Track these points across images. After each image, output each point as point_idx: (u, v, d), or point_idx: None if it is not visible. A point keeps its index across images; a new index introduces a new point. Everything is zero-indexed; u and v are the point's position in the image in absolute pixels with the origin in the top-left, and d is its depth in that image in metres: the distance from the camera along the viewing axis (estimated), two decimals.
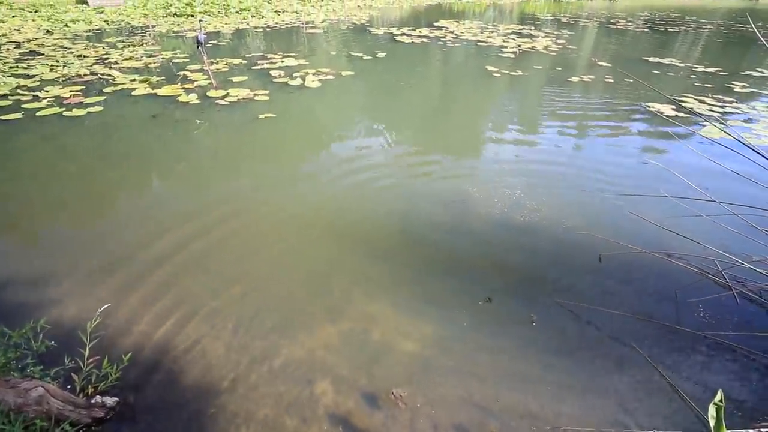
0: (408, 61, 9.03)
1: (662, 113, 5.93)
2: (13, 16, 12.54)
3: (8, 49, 8.50)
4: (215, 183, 3.98)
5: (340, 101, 6.34)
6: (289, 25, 12.94)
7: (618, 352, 2.37)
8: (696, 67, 8.83)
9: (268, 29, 12.11)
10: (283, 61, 8.11)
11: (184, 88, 6.33)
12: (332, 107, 6.11)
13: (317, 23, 13.56)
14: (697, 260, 2.96)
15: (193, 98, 5.90)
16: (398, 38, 11.20)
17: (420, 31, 12.28)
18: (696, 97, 6.60)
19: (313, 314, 2.55)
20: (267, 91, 6.24)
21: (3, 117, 5.11)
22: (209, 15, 14.29)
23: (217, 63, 7.81)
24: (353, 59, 8.75)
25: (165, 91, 6.17)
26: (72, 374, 1.98)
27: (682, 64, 9.07)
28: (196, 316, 2.48)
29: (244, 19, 13.80)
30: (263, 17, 14.25)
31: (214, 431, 1.94)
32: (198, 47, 6.63)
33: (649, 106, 6.22)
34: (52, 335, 2.12)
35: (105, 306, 2.21)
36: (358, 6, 19.15)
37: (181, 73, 7.09)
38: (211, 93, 6.10)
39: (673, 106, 6.22)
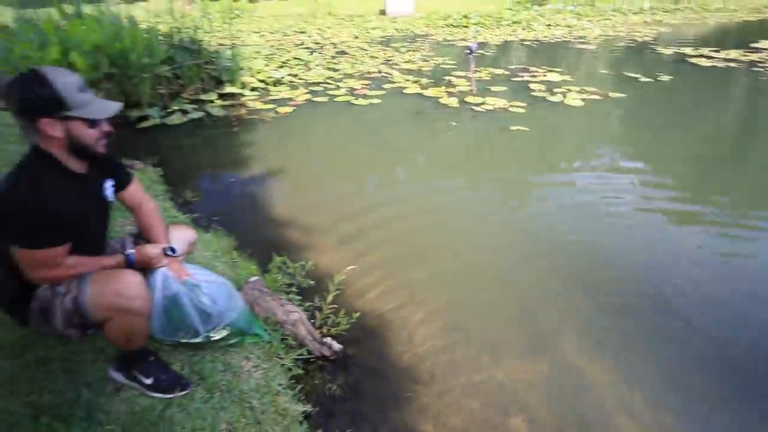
0: (700, 89, 7.42)
1: None
2: (337, 24, 16.12)
3: (328, 49, 10.96)
4: (450, 183, 4.19)
5: (601, 125, 5.72)
6: (558, 40, 12.44)
7: None
8: None
9: (535, 42, 11.94)
10: (545, 76, 7.85)
11: (447, 91, 6.86)
12: (591, 130, 5.56)
13: (590, 39, 12.58)
14: None
15: (453, 102, 6.33)
16: (692, 60, 9.32)
17: (727, 54, 9.89)
18: None
19: (521, 345, 2.37)
20: (524, 104, 6.15)
21: (315, 99, 6.63)
22: (481, 26, 15.07)
23: (480, 71, 8.16)
24: (627, 80, 7.74)
25: (431, 92, 6.82)
26: (315, 312, 2.39)
27: None
28: (414, 304, 2.63)
29: (513, 31, 14.00)
30: (533, 30, 14.14)
31: (404, 413, 2.03)
32: (468, 55, 7.05)
33: None
34: (312, 276, 2.62)
35: (351, 267, 2.58)
36: (645, 21, 16.85)
37: (447, 77, 7.71)
38: (470, 99, 6.41)
39: None
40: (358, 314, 2.38)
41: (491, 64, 8.93)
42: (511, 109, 6.02)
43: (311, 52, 10.29)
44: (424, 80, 7.58)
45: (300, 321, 2.15)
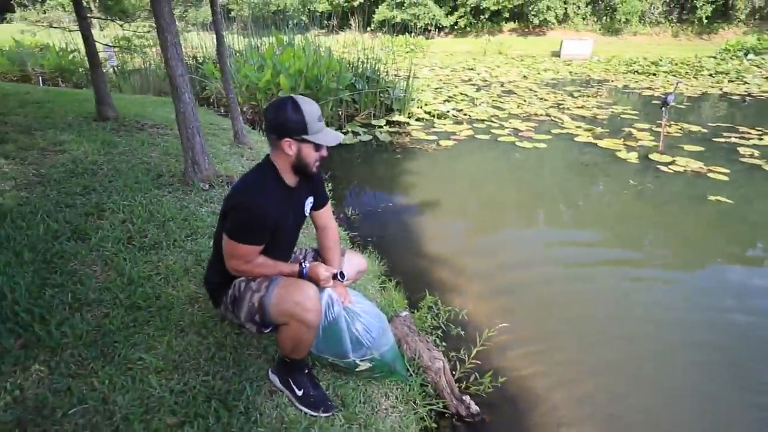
0: None
1: None
2: (506, 64, 16.06)
3: (495, 87, 10.92)
4: (620, 247, 3.65)
5: None
6: None
7: None
8: None
9: (748, 97, 9.99)
10: (761, 139, 6.45)
11: (625, 144, 6.13)
12: None
13: None
14: None
15: (632, 157, 5.61)
16: None
17: None
18: None
19: None
20: (727, 171, 5.11)
21: (477, 136, 6.59)
22: (674, 75, 13.29)
23: (669, 126, 7.12)
24: None
25: (605, 143, 6.18)
26: (457, 363, 2.24)
27: None
28: (566, 382, 2.29)
29: (717, 82, 11.98)
30: (745, 83, 11.88)
31: None
32: (663, 107, 6.21)
33: None
34: (455, 321, 2.48)
35: (502, 324, 2.37)
36: None
37: (627, 129, 6.91)
38: (654, 156, 5.60)
39: None
40: (504, 379, 2.15)
41: (684, 119, 7.73)
42: (709, 174, 5.05)
43: (478, 89, 10.37)
44: (599, 129, 6.92)
45: (443, 370, 2.03)
